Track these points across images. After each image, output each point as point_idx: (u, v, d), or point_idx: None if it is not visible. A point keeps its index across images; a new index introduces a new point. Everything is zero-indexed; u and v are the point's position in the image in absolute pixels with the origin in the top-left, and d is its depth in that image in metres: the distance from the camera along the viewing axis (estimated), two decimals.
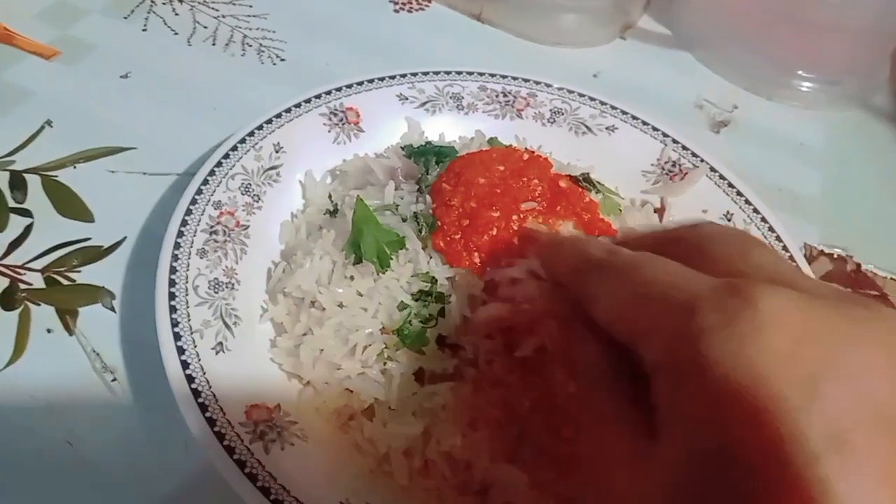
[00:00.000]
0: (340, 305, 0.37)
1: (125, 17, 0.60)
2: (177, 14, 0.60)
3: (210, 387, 0.33)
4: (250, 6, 0.62)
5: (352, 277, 0.37)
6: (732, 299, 0.21)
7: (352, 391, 0.35)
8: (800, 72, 0.61)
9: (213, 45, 0.58)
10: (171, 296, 0.36)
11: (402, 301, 0.36)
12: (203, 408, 0.32)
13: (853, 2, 0.58)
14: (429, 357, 0.35)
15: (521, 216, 0.37)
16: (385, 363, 0.36)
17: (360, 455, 0.35)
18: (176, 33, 0.59)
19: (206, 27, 0.60)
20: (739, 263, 0.24)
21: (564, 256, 0.31)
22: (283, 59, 0.58)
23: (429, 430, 0.34)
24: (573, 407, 0.27)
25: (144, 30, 0.59)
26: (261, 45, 0.59)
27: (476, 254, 0.37)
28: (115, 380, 0.39)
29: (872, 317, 0.21)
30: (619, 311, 0.25)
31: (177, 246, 0.38)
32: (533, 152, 0.42)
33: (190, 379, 0.33)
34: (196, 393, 0.33)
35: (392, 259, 0.37)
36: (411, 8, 0.64)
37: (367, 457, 0.34)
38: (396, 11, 0.64)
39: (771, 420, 0.19)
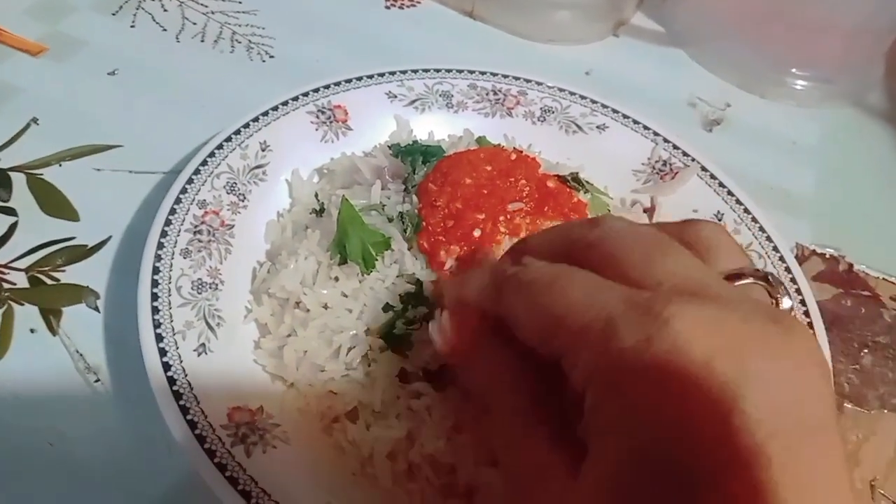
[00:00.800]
0: (325, 306, 0.37)
1: (113, 14, 0.59)
2: (165, 10, 0.60)
3: (192, 389, 0.33)
4: (240, 2, 0.62)
5: (336, 278, 0.37)
6: (647, 319, 0.21)
7: (335, 393, 0.35)
8: (793, 70, 0.61)
9: (202, 41, 0.58)
10: (154, 296, 0.35)
11: (387, 303, 0.35)
12: (184, 410, 0.32)
13: None
14: (413, 360, 0.34)
15: (508, 217, 0.37)
16: (369, 365, 0.35)
17: (344, 458, 0.34)
18: (164, 30, 0.58)
19: (195, 23, 0.59)
20: (651, 270, 0.24)
21: (475, 280, 0.30)
22: (272, 56, 0.57)
23: (413, 433, 0.33)
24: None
25: (133, 26, 0.58)
26: (250, 41, 0.58)
27: (451, 258, 0.36)
28: (98, 380, 0.38)
29: (781, 331, 0.22)
30: (537, 331, 0.25)
31: (160, 246, 0.37)
32: (521, 152, 0.41)
33: (171, 381, 0.33)
34: (178, 395, 0.32)
35: (377, 260, 0.37)
36: (402, 4, 0.64)
37: (351, 459, 0.34)
38: (388, 7, 0.64)
39: (705, 420, 0.20)
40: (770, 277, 0.26)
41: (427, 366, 0.35)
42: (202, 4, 0.61)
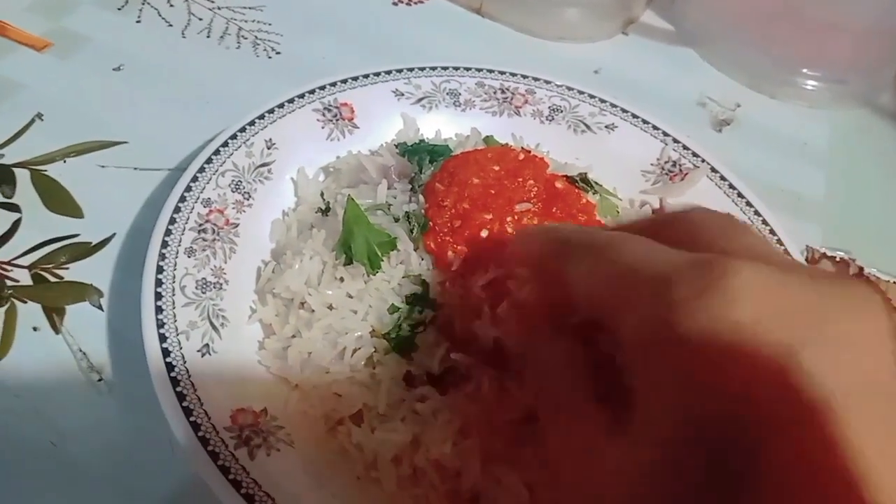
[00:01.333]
0: (330, 307, 0.36)
1: (119, 9, 0.59)
2: (171, 6, 0.59)
3: (195, 390, 0.32)
4: None
5: (342, 279, 0.37)
6: (706, 272, 0.21)
7: (340, 395, 0.35)
8: (804, 70, 0.60)
9: (208, 37, 0.57)
10: (158, 296, 0.35)
11: (392, 304, 0.35)
12: (188, 412, 0.32)
13: None
14: (418, 363, 0.34)
15: (516, 218, 0.36)
16: (374, 367, 0.35)
17: (348, 461, 0.34)
18: (170, 25, 0.58)
19: (200, 19, 0.59)
20: (721, 243, 0.24)
21: (536, 240, 0.30)
22: (278, 53, 0.57)
23: (418, 436, 0.33)
24: (536, 408, 0.28)
25: (138, 21, 0.58)
26: (256, 37, 0.58)
27: (458, 258, 0.36)
28: (101, 380, 0.38)
29: (846, 293, 0.21)
30: (593, 287, 0.25)
31: (164, 245, 0.37)
32: (529, 152, 0.41)
33: (175, 382, 0.33)
34: (181, 396, 0.32)
35: (383, 260, 0.36)
36: (410, 1, 0.63)
37: (355, 463, 0.34)
38: (395, 4, 0.63)
39: (760, 381, 0.20)
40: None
41: (431, 369, 0.34)
42: (208, 0, 0.60)
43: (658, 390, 0.21)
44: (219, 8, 0.60)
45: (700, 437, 0.20)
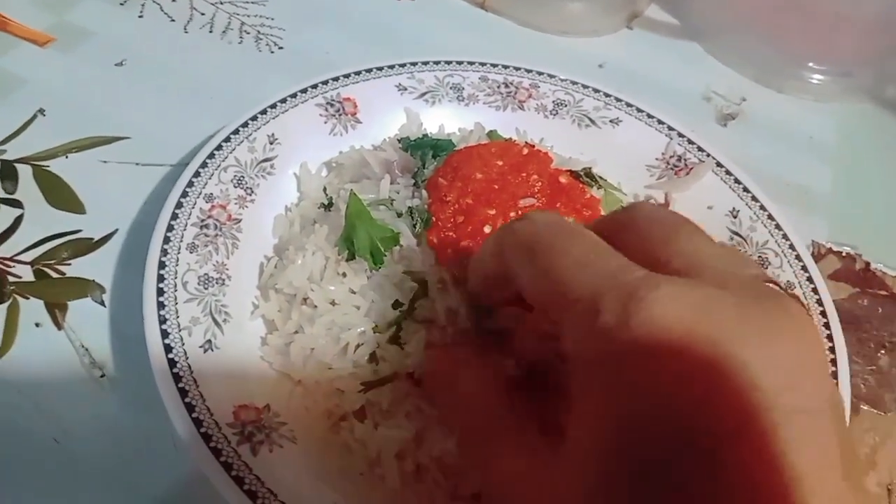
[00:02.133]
0: (332, 303, 0.36)
1: (121, 4, 0.58)
2: (174, 0, 0.59)
3: (197, 386, 0.32)
4: None
5: (344, 274, 0.36)
6: (629, 300, 0.22)
7: (343, 391, 0.35)
8: (810, 63, 0.60)
9: (211, 32, 0.57)
10: (160, 291, 0.35)
11: (396, 300, 0.35)
12: (190, 408, 0.32)
13: None
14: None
15: (520, 213, 0.36)
16: (377, 363, 0.35)
17: (351, 457, 0.34)
18: (173, 20, 0.58)
19: (203, 14, 0.58)
20: (660, 247, 0.25)
21: (490, 243, 0.30)
22: (281, 48, 0.57)
23: (421, 433, 0.33)
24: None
25: (141, 16, 0.58)
26: (259, 32, 0.58)
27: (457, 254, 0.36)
28: (103, 376, 0.38)
29: (772, 315, 0.22)
30: (534, 291, 0.26)
31: (166, 240, 0.37)
32: (533, 146, 0.41)
33: (177, 378, 0.32)
34: (183, 392, 0.32)
35: (386, 256, 0.36)
36: None
37: (358, 459, 0.34)
38: None
39: (710, 389, 0.20)
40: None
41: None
42: None
43: (588, 398, 0.23)
44: (221, 2, 0.60)
45: (632, 439, 0.21)
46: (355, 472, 0.33)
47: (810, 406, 0.21)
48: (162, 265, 0.36)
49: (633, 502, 0.21)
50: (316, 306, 0.36)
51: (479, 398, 0.28)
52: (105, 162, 0.47)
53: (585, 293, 0.23)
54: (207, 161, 0.41)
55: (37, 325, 0.40)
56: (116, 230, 0.44)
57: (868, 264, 0.48)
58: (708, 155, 0.46)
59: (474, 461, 0.28)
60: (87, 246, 0.43)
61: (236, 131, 0.42)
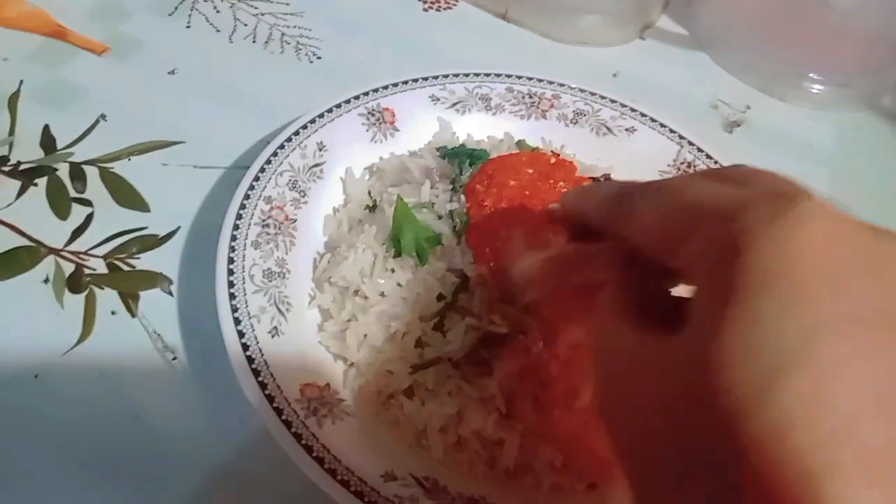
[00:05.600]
0: (382, 295, 0.40)
1: (170, 14, 0.63)
2: (218, 11, 0.64)
3: (268, 367, 0.37)
4: (287, 4, 0.65)
5: (392, 270, 0.41)
6: (776, 201, 0.21)
7: (392, 373, 0.39)
8: (811, 74, 0.64)
9: (254, 42, 0.61)
10: (231, 284, 0.40)
11: (440, 293, 0.39)
12: (263, 386, 0.36)
13: (863, 7, 0.61)
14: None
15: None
16: (423, 348, 0.39)
17: (400, 430, 0.38)
18: (218, 31, 0.62)
19: (246, 25, 0.63)
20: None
21: (595, 192, 0.30)
22: (319, 58, 0.61)
23: (462, 410, 0.38)
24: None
25: (188, 27, 0.62)
26: (298, 42, 0.62)
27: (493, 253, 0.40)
28: (175, 358, 0.43)
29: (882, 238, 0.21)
30: (657, 222, 0.25)
31: (233, 238, 0.41)
32: (558, 156, 0.45)
33: (250, 360, 0.37)
34: (256, 372, 0.37)
35: (430, 254, 0.41)
36: (440, 7, 0.67)
37: (407, 432, 0.38)
38: (425, 10, 0.67)
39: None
40: None
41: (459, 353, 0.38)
42: (252, 6, 0.64)
43: (715, 301, 0.20)
44: (262, 14, 0.64)
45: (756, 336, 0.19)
46: (404, 443, 0.38)
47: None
48: (231, 260, 0.41)
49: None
50: (367, 297, 0.40)
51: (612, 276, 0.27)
52: (165, 164, 0.52)
53: (728, 203, 0.22)
54: (265, 166, 0.45)
55: (112, 313, 0.44)
56: (179, 227, 0.48)
57: None
58: (716, 162, 0.51)
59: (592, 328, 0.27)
60: (154, 241, 0.48)
61: (289, 139, 0.47)
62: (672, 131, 0.52)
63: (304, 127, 0.48)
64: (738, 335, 0.19)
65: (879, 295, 0.19)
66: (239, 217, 0.43)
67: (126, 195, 0.50)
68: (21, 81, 0.55)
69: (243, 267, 0.41)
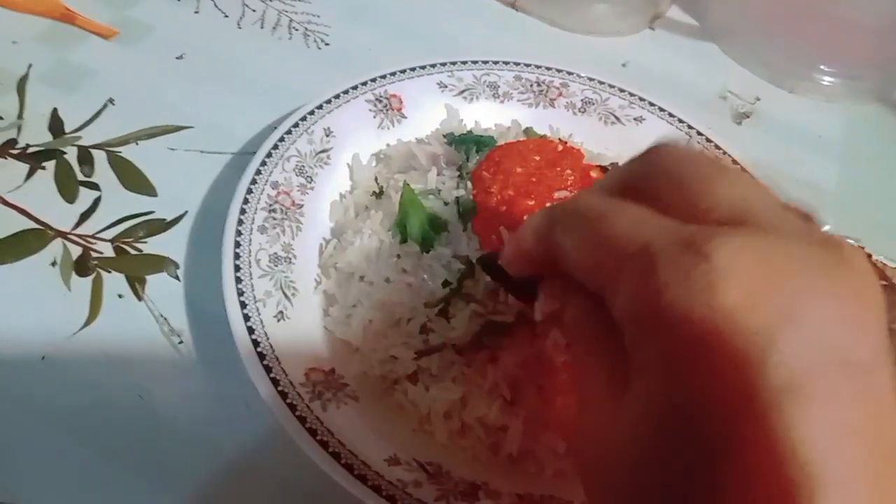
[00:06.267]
0: (387, 280, 0.41)
1: (178, 0, 0.63)
2: None
3: (273, 351, 0.37)
4: None
5: (398, 255, 0.41)
6: (687, 255, 0.20)
7: (397, 358, 0.39)
8: (821, 66, 0.63)
9: (262, 28, 0.61)
10: (237, 268, 0.40)
11: (445, 279, 0.39)
12: (268, 369, 0.36)
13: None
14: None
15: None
16: (427, 334, 0.39)
17: (404, 415, 0.38)
18: (226, 16, 0.62)
19: (254, 10, 0.63)
20: (705, 192, 0.23)
21: (531, 221, 0.29)
22: (327, 44, 0.61)
23: (466, 395, 0.38)
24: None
25: (197, 12, 0.62)
26: (306, 29, 0.62)
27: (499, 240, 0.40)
28: (181, 342, 0.43)
29: (834, 264, 0.20)
30: (584, 263, 0.25)
31: (240, 223, 0.42)
32: (566, 143, 0.45)
33: (255, 343, 0.37)
34: (261, 356, 0.37)
35: (435, 240, 0.41)
36: None
37: (411, 417, 0.38)
38: None
39: (730, 371, 0.19)
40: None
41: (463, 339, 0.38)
42: None
43: (647, 369, 0.21)
44: (270, 0, 0.64)
45: (680, 425, 0.20)
46: (408, 428, 0.38)
47: (851, 370, 0.19)
48: (237, 244, 0.41)
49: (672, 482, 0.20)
50: (372, 283, 0.40)
51: (587, 318, 0.26)
52: (172, 149, 0.52)
53: (638, 250, 0.22)
54: (272, 151, 0.45)
55: (119, 296, 0.44)
56: (186, 212, 0.48)
57: (870, 255, 0.52)
58: (724, 152, 0.50)
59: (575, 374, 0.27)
60: (161, 226, 0.48)
61: (296, 125, 0.47)
62: (681, 121, 0.52)
63: (312, 113, 0.48)
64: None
65: (817, 346, 0.19)
66: (246, 202, 0.43)
67: (133, 179, 0.50)
68: (30, 65, 0.56)
69: (249, 251, 0.41)
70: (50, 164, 0.50)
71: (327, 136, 0.48)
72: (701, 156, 0.26)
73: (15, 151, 0.50)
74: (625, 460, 0.22)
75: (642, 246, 0.22)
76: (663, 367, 0.21)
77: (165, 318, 0.44)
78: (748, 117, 0.61)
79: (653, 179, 0.25)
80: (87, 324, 0.43)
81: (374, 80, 0.51)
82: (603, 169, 0.44)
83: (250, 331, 0.38)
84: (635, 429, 0.21)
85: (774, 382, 0.18)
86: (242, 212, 0.42)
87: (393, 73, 0.52)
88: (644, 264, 0.21)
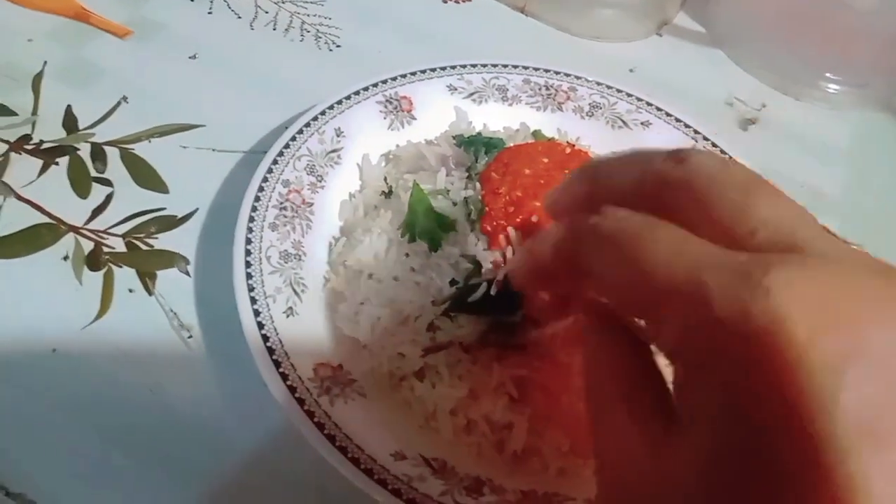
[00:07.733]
0: (395, 279, 0.41)
1: (191, 0, 0.63)
2: None
3: (283, 346, 0.37)
4: None
5: (406, 254, 0.41)
6: (744, 287, 0.19)
7: (404, 355, 0.40)
8: (828, 73, 0.64)
9: (274, 29, 0.62)
10: (248, 264, 0.40)
11: (453, 278, 0.40)
12: (277, 364, 0.37)
13: (882, 8, 0.61)
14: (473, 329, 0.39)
15: None
16: (434, 332, 0.40)
17: (411, 412, 0.39)
18: (239, 17, 0.63)
19: (267, 12, 0.63)
20: (744, 216, 0.22)
21: (550, 235, 0.27)
22: (339, 46, 0.62)
23: (472, 393, 0.38)
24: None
25: (210, 12, 0.63)
26: (318, 31, 0.62)
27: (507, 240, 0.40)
28: (190, 337, 0.43)
29: (892, 289, 0.19)
30: (622, 288, 0.23)
31: (251, 220, 0.42)
32: (573, 146, 0.45)
33: (265, 338, 0.38)
34: (270, 351, 0.37)
35: (443, 239, 0.41)
36: None
37: (417, 413, 0.39)
38: (444, 1, 0.68)
39: (797, 416, 0.18)
40: None
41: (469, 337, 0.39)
42: None
43: (705, 408, 0.20)
44: (283, 1, 0.64)
45: (737, 467, 0.19)
46: (414, 424, 0.39)
47: None
48: (248, 241, 0.41)
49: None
50: (381, 281, 0.41)
51: (613, 363, 0.25)
52: (185, 147, 0.52)
53: (686, 280, 0.20)
54: (284, 150, 0.46)
55: (130, 290, 0.45)
56: (197, 209, 0.49)
57: None
58: (730, 158, 0.51)
59: (596, 422, 0.25)
60: (172, 222, 0.48)
61: (308, 124, 0.47)
62: (687, 126, 0.53)
63: (323, 113, 0.48)
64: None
65: (887, 384, 0.18)
66: (257, 199, 0.43)
67: (146, 176, 0.51)
68: (45, 62, 0.56)
69: (260, 248, 0.41)
70: (63, 160, 0.51)
71: (338, 136, 0.48)
72: (734, 173, 0.24)
73: (29, 147, 0.51)
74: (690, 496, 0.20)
75: (691, 276, 0.20)
76: (728, 408, 0.19)
77: (175, 313, 0.44)
78: (754, 124, 0.62)
79: (684, 192, 0.23)
80: (97, 317, 0.44)
81: (384, 81, 0.51)
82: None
83: (260, 326, 0.38)
84: (695, 473, 0.20)
85: (843, 426, 0.17)
86: (254, 209, 0.43)
87: (403, 76, 0.52)
88: (697, 297, 0.20)
